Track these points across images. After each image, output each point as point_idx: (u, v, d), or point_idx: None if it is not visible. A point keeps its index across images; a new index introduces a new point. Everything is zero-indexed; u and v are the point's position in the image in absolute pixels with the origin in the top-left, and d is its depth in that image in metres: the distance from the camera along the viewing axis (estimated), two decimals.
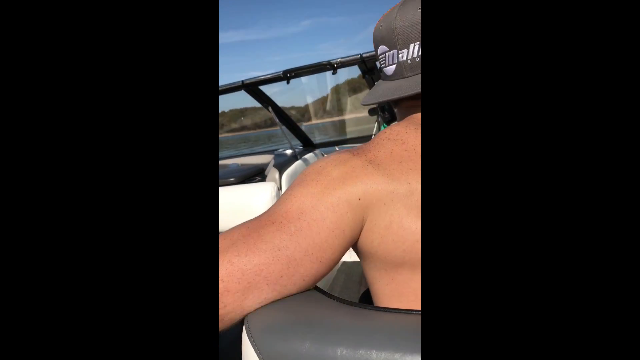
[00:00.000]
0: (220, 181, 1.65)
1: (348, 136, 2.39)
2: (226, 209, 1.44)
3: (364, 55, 1.54)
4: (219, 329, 0.37)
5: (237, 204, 1.44)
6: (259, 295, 0.36)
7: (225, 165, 2.05)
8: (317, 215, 0.38)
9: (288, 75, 1.64)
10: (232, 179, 1.62)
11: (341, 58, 1.56)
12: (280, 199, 0.42)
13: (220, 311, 0.36)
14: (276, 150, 2.14)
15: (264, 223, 0.39)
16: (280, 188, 1.51)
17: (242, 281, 0.36)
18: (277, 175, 1.57)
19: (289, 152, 1.97)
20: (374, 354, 0.30)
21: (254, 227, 0.39)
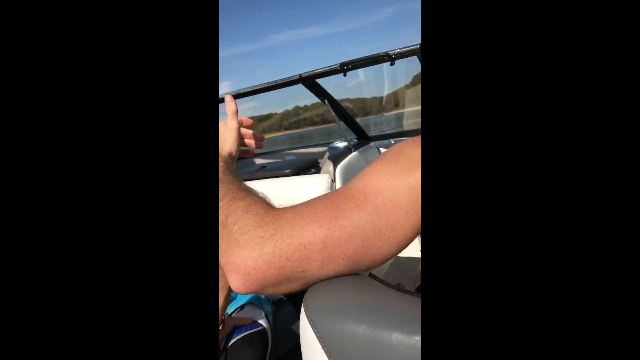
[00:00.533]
0: (276, 172, 1.70)
1: (405, 129, 2.33)
2: (281, 199, 1.49)
3: None
4: (295, 288, 0.39)
5: (291, 195, 1.48)
6: (334, 267, 0.39)
7: (281, 157, 2.11)
8: (393, 196, 0.38)
9: (345, 68, 1.64)
10: (287, 171, 1.66)
11: (399, 49, 1.53)
12: (358, 174, 0.43)
13: (299, 274, 0.38)
14: (331, 143, 2.16)
15: (343, 197, 0.40)
16: (334, 180, 1.53)
17: (323, 252, 0.38)
18: (331, 167, 1.59)
19: (343, 144, 1.97)
20: None
21: (334, 199, 0.40)
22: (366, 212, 0.38)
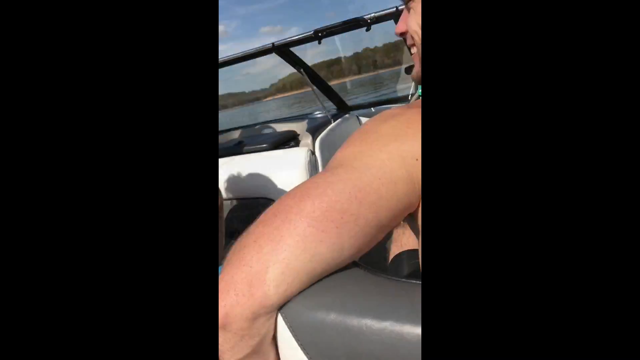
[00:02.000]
0: (253, 147, 1.66)
1: (383, 98, 2.29)
2: (260, 175, 1.46)
3: (400, 8, 1.43)
4: None
5: (270, 170, 1.45)
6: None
7: (258, 131, 2.06)
8: (369, 161, 0.36)
9: (319, 35, 1.58)
10: (265, 145, 1.62)
11: (374, 13, 1.47)
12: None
13: None
14: (310, 114, 2.11)
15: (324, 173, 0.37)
16: (313, 153, 1.50)
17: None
18: (309, 140, 1.56)
19: (322, 116, 1.93)
20: (398, 326, 0.29)
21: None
22: (345, 175, 0.35)
